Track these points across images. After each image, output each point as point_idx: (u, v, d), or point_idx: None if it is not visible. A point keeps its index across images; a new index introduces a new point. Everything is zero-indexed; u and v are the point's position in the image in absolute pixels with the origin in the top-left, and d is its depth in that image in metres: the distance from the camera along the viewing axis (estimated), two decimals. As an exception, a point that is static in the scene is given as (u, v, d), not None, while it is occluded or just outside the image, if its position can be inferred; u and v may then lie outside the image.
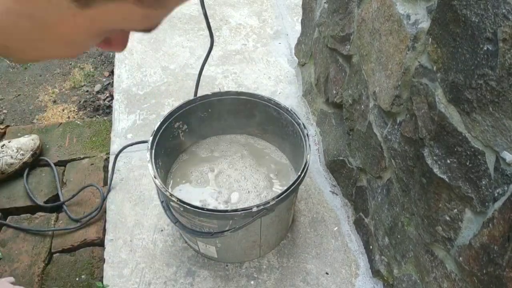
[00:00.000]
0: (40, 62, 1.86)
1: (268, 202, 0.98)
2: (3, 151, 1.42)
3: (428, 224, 0.87)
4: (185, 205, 0.98)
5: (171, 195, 1.00)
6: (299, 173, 1.06)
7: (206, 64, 1.24)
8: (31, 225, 1.34)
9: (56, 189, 1.42)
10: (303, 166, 1.07)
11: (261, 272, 1.21)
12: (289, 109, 1.21)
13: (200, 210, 0.97)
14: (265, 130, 1.37)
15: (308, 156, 1.09)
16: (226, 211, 0.98)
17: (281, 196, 1.00)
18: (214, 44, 1.16)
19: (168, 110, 1.24)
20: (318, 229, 1.32)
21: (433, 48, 0.75)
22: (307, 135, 1.14)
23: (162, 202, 1.10)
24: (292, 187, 1.02)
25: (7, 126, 1.65)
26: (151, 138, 1.13)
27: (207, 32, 1.00)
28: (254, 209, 0.96)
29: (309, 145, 1.11)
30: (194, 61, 1.82)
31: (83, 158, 1.51)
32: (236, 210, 0.97)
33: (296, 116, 1.19)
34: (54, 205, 1.38)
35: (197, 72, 1.27)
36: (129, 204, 1.36)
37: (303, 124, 1.16)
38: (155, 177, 1.04)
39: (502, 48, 0.58)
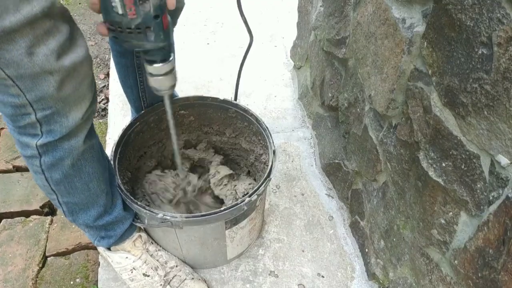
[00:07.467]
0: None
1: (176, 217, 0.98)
2: None
3: (423, 227, 0.87)
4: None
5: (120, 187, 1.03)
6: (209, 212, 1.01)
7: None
8: (25, 228, 1.33)
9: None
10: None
11: (257, 275, 1.21)
12: None
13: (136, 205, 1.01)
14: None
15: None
16: (144, 208, 0.99)
17: (189, 218, 0.98)
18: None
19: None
20: (314, 232, 1.32)
21: (428, 52, 0.76)
22: None
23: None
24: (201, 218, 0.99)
25: (2, 128, 1.64)
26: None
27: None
28: (160, 215, 0.98)
29: None
30: (188, 64, 1.82)
31: (78, 161, 1.50)
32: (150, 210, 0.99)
33: None
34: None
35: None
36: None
37: None
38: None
39: (497, 52, 0.58)
